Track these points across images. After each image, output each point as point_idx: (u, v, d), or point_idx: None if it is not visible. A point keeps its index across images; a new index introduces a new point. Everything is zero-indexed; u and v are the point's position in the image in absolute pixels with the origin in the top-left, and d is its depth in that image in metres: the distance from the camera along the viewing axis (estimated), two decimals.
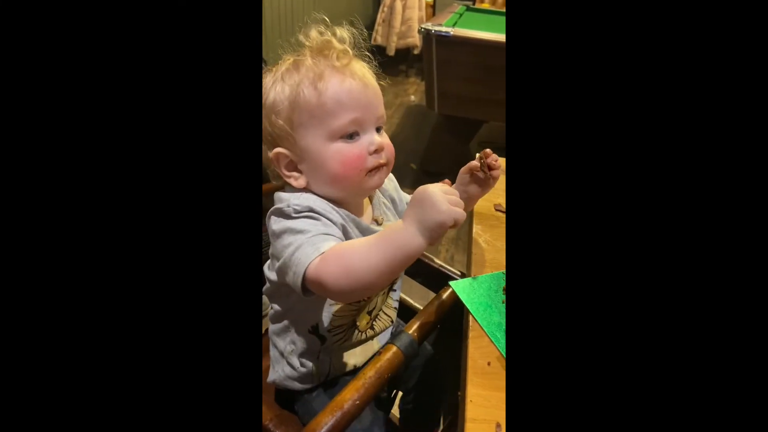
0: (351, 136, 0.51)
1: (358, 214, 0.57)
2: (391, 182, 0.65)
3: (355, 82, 0.51)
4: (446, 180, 0.52)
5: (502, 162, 0.62)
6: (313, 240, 0.46)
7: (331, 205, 0.52)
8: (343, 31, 0.54)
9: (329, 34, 0.54)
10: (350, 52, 0.53)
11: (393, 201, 0.64)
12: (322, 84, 0.50)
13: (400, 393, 0.70)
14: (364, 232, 0.55)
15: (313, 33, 0.54)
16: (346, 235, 0.52)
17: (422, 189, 0.43)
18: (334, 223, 0.51)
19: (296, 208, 0.49)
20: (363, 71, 0.53)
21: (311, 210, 0.49)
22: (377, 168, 0.53)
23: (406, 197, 0.67)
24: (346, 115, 0.50)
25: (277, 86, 0.52)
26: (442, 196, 0.41)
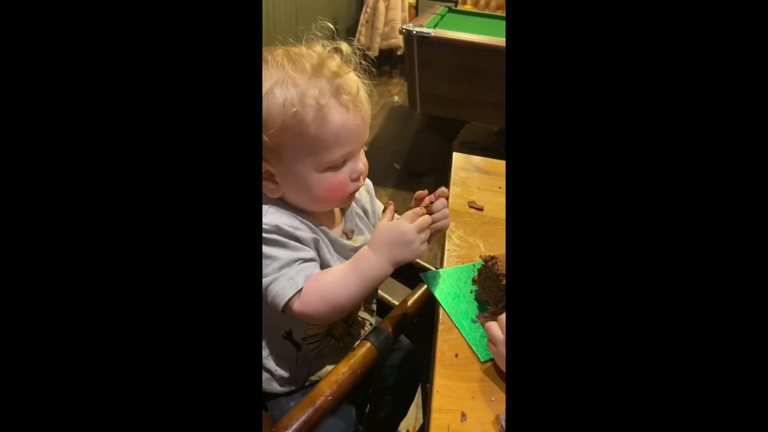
0: (338, 166, 0.50)
1: (329, 224, 0.56)
2: (366, 193, 0.64)
3: (357, 120, 0.49)
4: (417, 210, 0.50)
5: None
6: (286, 272, 0.47)
7: (299, 218, 0.52)
8: (347, 47, 0.51)
9: (333, 49, 0.50)
10: (359, 85, 0.50)
11: (366, 212, 0.63)
12: (322, 117, 0.46)
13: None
14: (334, 243, 0.55)
15: (318, 48, 0.50)
16: (318, 248, 0.53)
17: (396, 227, 0.48)
18: (303, 241, 0.50)
19: (264, 227, 0.48)
20: (364, 103, 0.50)
21: (279, 230, 0.49)
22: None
23: (380, 208, 0.66)
24: (340, 150, 0.49)
25: (269, 98, 0.46)
26: (414, 237, 0.48)
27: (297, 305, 0.47)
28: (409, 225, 0.48)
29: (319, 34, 0.51)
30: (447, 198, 0.54)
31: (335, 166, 0.50)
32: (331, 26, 0.53)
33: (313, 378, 0.59)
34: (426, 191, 0.54)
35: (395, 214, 0.52)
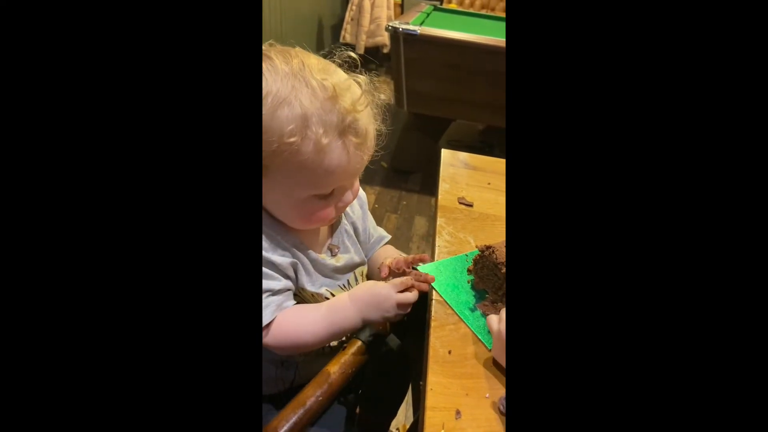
0: (326, 196, 0.48)
1: (312, 240, 0.55)
2: (359, 208, 0.62)
3: (356, 161, 0.46)
4: (405, 281, 0.49)
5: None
6: None
7: (279, 238, 0.50)
8: (365, 81, 0.48)
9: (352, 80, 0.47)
10: (370, 127, 0.46)
11: (356, 229, 0.61)
12: (321, 155, 0.43)
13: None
14: (314, 263, 0.53)
15: (335, 78, 0.45)
16: (296, 272, 0.51)
17: (376, 289, 0.48)
18: (278, 267, 0.49)
19: None
20: (371, 146, 0.48)
21: None
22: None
23: (372, 225, 0.64)
24: (332, 183, 0.47)
25: (270, 118, 0.42)
26: (390, 307, 0.48)
27: (265, 338, 0.48)
28: (393, 294, 0.47)
29: (339, 61, 0.48)
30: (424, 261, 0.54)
31: (323, 196, 0.48)
32: (354, 55, 0.48)
33: (299, 381, 0.58)
34: (396, 261, 0.53)
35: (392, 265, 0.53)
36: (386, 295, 0.48)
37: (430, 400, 0.39)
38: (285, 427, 0.44)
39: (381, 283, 0.49)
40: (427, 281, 0.52)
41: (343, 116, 0.43)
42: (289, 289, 0.51)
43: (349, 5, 3.29)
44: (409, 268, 0.54)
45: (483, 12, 3.08)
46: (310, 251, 0.53)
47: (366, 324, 0.50)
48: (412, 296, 0.49)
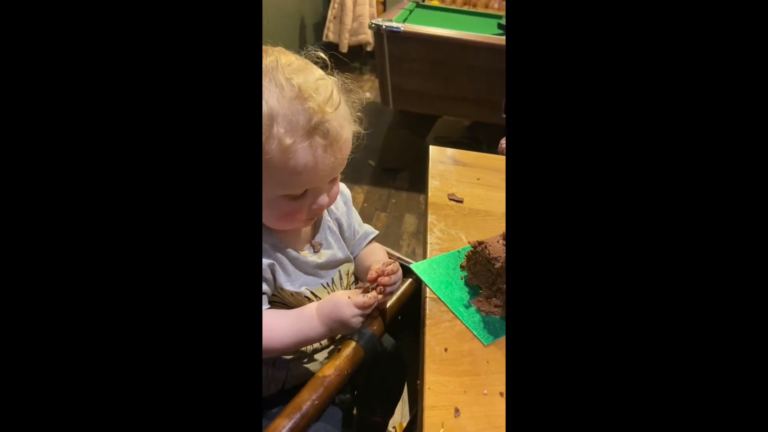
0: (297, 196, 0.47)
1: (293, 238, 0.54)
2: (343, 204, 0.61)
3: (326, 162, 0.45)
4: (367, 297, 0.49)
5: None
6: None
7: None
8: (337, 81, 0.47)
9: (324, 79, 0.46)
10: (342, 128, 0.45)
11: (340, 225, 0.60)
12: (285, 156, 0.43)
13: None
14: (295, 261, 0.53)
15: (303, 77, 0.44)
16: (274, 273, 0.51)
17: (339, 306, 0.48)
18: None
19: None
20: (344, 146, 0.46)
21: None
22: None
23: (357, 221, 0.63)
24: (301, 185, 0.46)
25: None
26: (349, 319, 0.48)
27: None
28: (355, 311, 0.48)
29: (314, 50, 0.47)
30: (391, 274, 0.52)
31: (293, 197, 0.47)
32: (324, 56, 0.48)
33: (291, 382, 0.57)
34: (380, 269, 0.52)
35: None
36: (349, 315, 0.48)
37: (429, 399, 0.39)
38: None
39: (344, 300, 0.48)
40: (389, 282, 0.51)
41: (310, 116, 0.43)
42: (264, 294, 0.50)
43: (332, 3, 3.27)
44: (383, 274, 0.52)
45: (465, 8, 3.09)
46: (290, 249, 0.52)
47: (331, 334, 0.51)
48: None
